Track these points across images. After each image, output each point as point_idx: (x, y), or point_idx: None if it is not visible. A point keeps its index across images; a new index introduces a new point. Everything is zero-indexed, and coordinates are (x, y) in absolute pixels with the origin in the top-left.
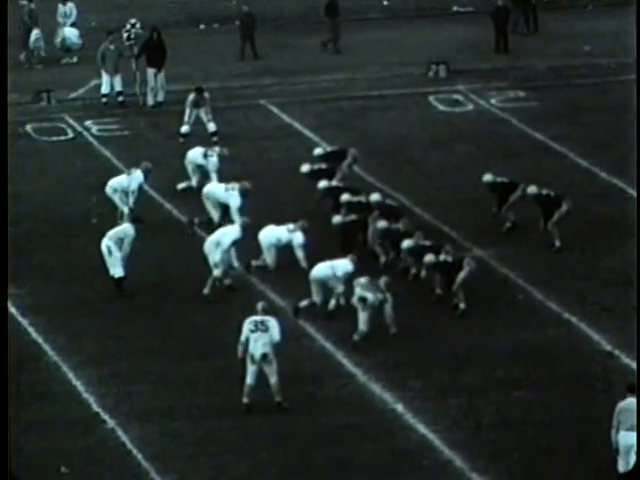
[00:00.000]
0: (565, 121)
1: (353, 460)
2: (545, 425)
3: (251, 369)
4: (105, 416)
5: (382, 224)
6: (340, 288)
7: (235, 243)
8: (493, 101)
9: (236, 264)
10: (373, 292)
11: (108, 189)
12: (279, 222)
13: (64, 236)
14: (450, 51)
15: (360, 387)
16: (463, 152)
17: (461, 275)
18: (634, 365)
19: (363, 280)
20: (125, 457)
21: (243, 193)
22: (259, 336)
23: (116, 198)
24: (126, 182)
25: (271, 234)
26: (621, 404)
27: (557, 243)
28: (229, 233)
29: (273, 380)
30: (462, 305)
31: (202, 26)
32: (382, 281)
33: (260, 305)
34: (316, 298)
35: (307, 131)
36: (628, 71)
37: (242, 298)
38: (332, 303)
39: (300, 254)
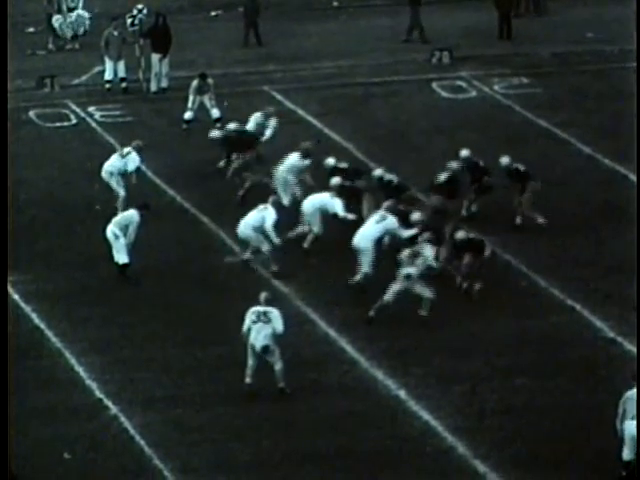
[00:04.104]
0: (568, 108)
1: (356, 446)
2: (548, 412)
3: (253, 357)
4: (108, 403)
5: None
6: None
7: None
8: (496, 87)
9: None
10: (415, 265)
11: (104, 173)
12: (286, 208)
13: (67, 222)
14: (453, 37)
15: (363, 373)
16: (466, 139)
17: (486, 253)
18: (636, 352)
19: (405, 254)
20: (128, 444)
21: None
22: (261, 327)
23: (113, 182)
24: (120, 163)
25: (315, 200)
26: (628, 393)
27: (518, 220)
28: (268, 216)
29: (278, 367)
30: (478, 285)
31: (214, 12)
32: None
33: (263, 295)
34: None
35: (310, 117)
36: (631, 58)
37: (246, 285)
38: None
39: (343, 215)
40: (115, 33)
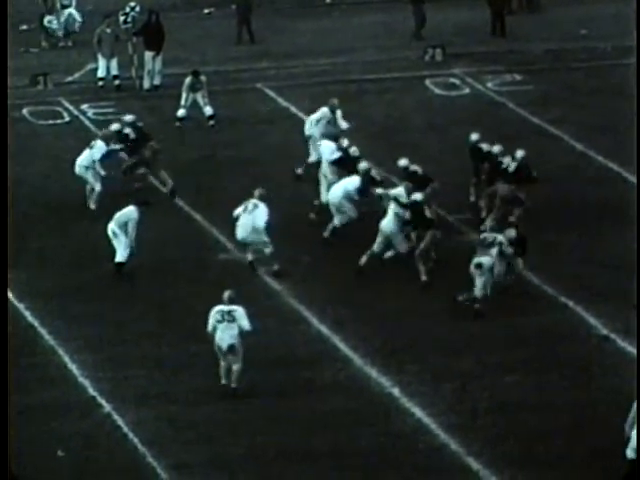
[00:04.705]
0: (562, 105)
1: (350, 444)
2: (541, 409)
3: (221, 356)
4: (101, 400)
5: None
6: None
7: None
8: (489, 85)
9: None
10: (488, 254)
11: (78, 169)
12: (275, 204)
13: (61, 220)
14: (447, 34)
15: (357, 371)
16: (459, 136)
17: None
18: (630, 349)
19: (478, 241)
20: (121, 441)
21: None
22: (226, 326)
23: (89, 176)
24: (90, 157)
25: (338, 190)
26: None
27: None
28: (259, 215)
29: (236, 367)
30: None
31: (207, 10)
32: (507, 233)
33: (227, 294)
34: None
35: (303, 114)
36: (625, 55)
37: (239, 282)
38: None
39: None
40: (108, 30)
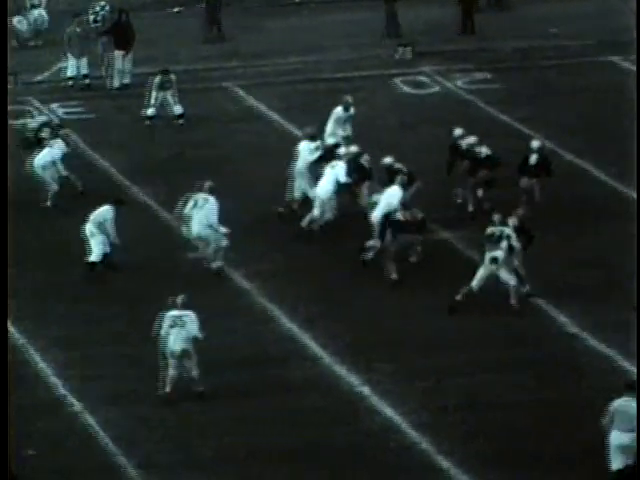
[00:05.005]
0: (531, 103)
1: (320, 442)
2: (512, 408)
3: (172, 362)
4: (72, 399)
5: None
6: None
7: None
8: (459, 83)
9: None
10: (499, 248)
11: (37, 169)
12: (246, 203)
13: (31, 220)
14: (416, 33)
15: (326, 370)
16: (429, 134)
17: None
18: (601, 347)
19: (489, 236)
20: (92, 440)
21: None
22: (177, 331)
23: (47, 176)
24: (50, 156)
25: (328, 183)
26: (617, 403)
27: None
28: (210, 210)
29: (194, 373)
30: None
31: (176, 9)
32: (511, 221)
33: (179, 299)
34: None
35: (273, 113)
36: (594, 53)
37: (210, 280)
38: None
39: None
40: (78, 30)
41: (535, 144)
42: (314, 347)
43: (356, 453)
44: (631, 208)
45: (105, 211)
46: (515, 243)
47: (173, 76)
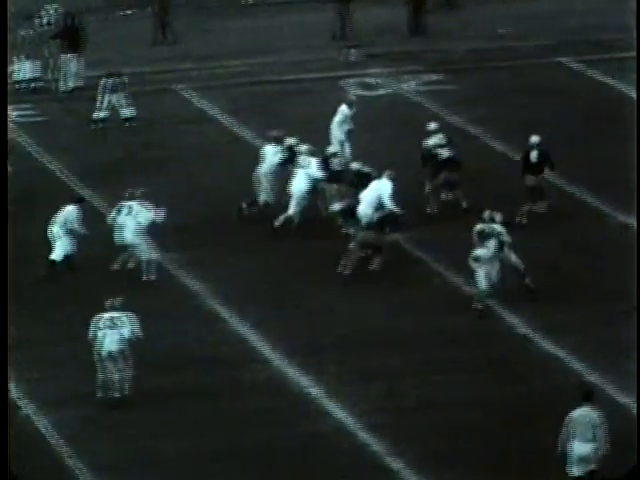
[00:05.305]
0: (482, 104)
1: (272, 444)
2: (464, 408)
3: (101, 366)
4: (24, 401)
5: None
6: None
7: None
8: (408, 84)
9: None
10: (485, 246)
11: None
12: (197, 205)
13: None
14: (365, 34)
15: (276, 371)
16: (379, 136)
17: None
18: (552, 348)
19: (476, 233)
20: (43, 441)
21: None
22: (108, 333)
23: None
24: None
25: (302, 180)
26: (574, 414)
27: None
28: (142, 216)
29: (117, 376)
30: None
31: (126, 11)
32: (497, 217)
33: (110, 302)
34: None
35: (223, 116)
36: (544, 54)
37: (159, 281)
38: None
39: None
40: (27, 33)
41: (534, 139)
42: (264, 349)
43: (307, 455)
44: (582, 209)
45: (68, 212)
46: (506, 238)
47: (119, 79)
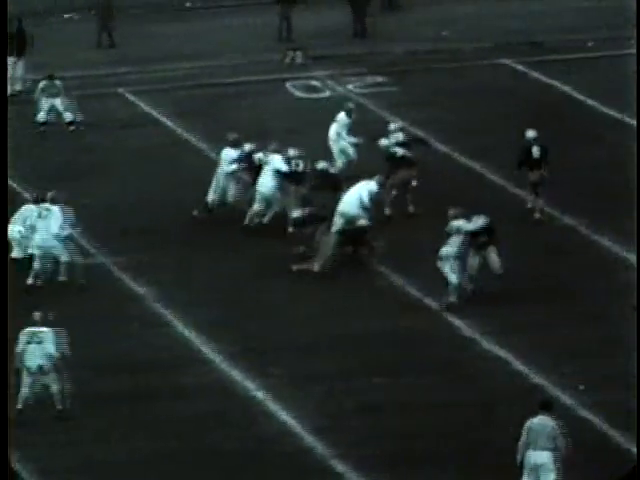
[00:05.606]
0: (425, 106)
1: (216, 447)
2: (406, 410)
3: (27, 380)
4: None
5: None
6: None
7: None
8: (351, 87)
9: None
10: (448, 244)
11: None
12: (139, 208)
13: None
14: (307, 37)
15: (221, 374)
16: (321, 139)
17: None
18: (496, 351)
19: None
20: None
21: None
22: (34, 348)
23: None
24: None
25: (268, 178)
26: (532, 422)
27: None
28: (54, 220)
29: (54, 389)
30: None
31: (68, 15)
32: (451, 211)
33: (37, 315)
34: None
35: (165, 119)
36: (485, 56)
37: (102, 285)
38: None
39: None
40: None
41: (531, 134)
42: (208, 352)
43: (252, 458)
44: (525, 211)
45: (26, 210)
46: (467, 227)
47: (58, 82)
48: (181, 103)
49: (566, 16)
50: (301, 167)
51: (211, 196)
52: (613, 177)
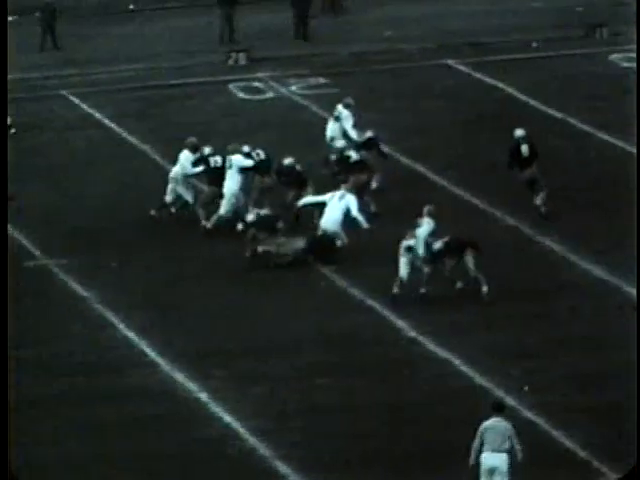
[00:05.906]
0: (367, 107)
1: (157, 449)
2: (350, 412)
3: None
4: None
5: None
6: None
7: None
8: (293, 88)
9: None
10: (414, 236)
11: None
12: (82, 210)
13: None
14: (250, 38)
15: (164, 376)
16: (265, 140)
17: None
18: (439, 352)
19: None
20: None
21: None
22: None
23: None
24: None
25: (233, 180)
26: (486, 424)
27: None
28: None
29: None
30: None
31: (10, 18)
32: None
33: None
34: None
35: (108, 121)
36: (429, 56)
37: (45, 287)
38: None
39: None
40: None
41: (520, 133)
42: (151, 354)
43: (194, 460)
44: (468, 211)
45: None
46: (425, 229)
47: None
48: (125, 105)
49: (511, 17)
50: (263, 156)
51: (169, 197)
52: (556, 178)
